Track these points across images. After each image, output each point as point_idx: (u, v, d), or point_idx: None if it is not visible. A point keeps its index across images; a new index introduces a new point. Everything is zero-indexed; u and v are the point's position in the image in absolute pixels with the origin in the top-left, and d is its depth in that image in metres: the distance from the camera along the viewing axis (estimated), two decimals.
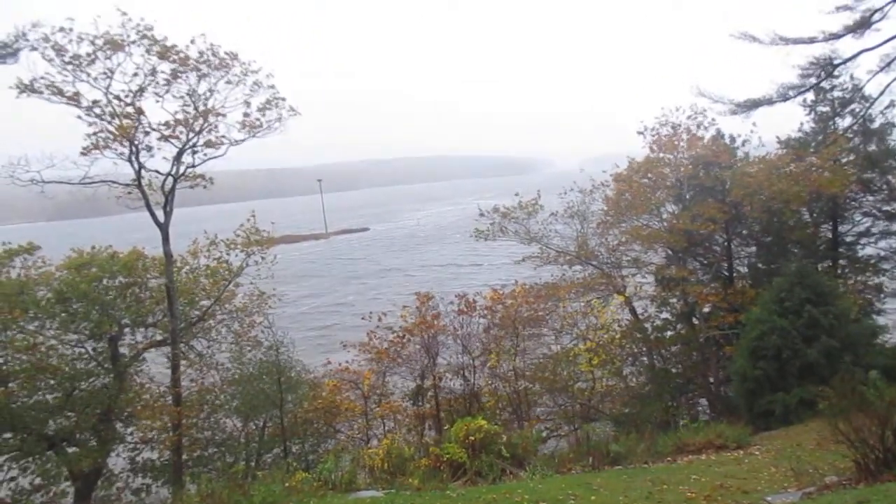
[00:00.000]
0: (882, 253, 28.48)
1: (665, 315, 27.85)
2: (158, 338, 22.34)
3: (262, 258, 23.74)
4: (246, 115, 20.04)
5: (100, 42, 18.07)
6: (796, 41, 21.18)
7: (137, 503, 20.13)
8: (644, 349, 26.05)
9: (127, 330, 21.55)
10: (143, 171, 19.69)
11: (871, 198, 27.96)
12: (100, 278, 20.55)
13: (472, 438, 14.18)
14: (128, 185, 19.68)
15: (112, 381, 20.07)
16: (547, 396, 24.46)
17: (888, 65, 20.78)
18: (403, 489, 12.78)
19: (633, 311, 26.87)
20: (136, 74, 18.65)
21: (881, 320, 24.57)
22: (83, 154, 18.48)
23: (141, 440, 21.17)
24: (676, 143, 27.12)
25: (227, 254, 23.73)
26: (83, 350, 20.48)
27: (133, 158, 19.30)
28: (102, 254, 21.30)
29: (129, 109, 18.77)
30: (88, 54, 18.04)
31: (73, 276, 20.28)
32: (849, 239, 28.48)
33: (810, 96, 27.26)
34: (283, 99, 20.25)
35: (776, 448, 14.31)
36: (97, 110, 18.41)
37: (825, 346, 17.20)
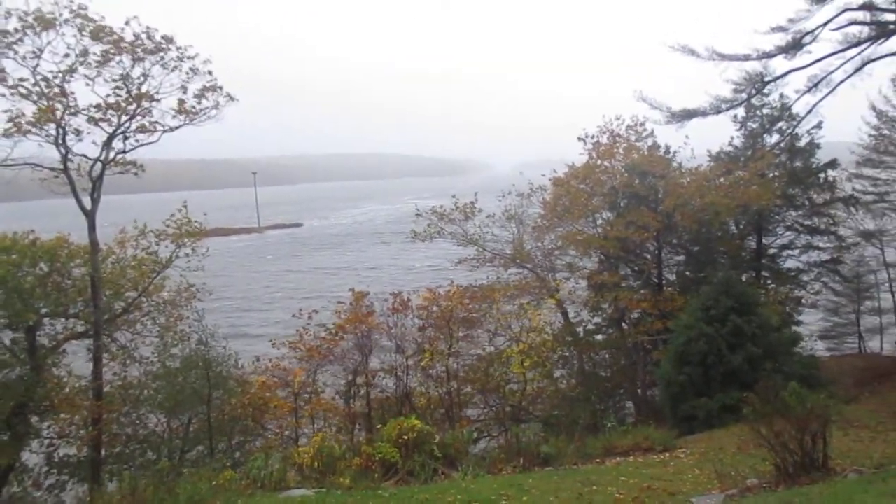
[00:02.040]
0: (802, 266, 29.81)
1: (596, 320, 28.45)
2: (80, 329, 21.53)
3: (193, 250, 23.16)
4: (182, 101, 19.54)
5: (30, 19, 17.33)
6: (731, 57, 21.99)
7: (52, 501, 19.32)
8: (575, 352, 26.50)
9: (46, 320, 20.71)
10: (70, 155, 18.97)
11: (794, 212, 29.28)
12: (19, 265, 19.66)
13: (405, 438, 14.16)
14: (53, 168, 18.92)
15: (28, 372, 19.22)
16: (479, 397, 24.59)
17: (815, 85, 21.80)
18: (334, 488, 12.68)
19: (565, 314, 27.32)
20: (66, 55, 17.97)
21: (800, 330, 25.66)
22: (5, 136, 17.69)
23: (58, 435, 20.35)
24: (615, 151, 27.71)
25: (157, 245, 23.05)
26: None
27: (60, 141, 18.57)
28: (24, 240, 20.38)
29: (57, 90, 18.06)
30: (16, 30, 17.29)
31: None
32: (772, 251, 29.72)
33: (741, 112, 28.34)
34: (221, 87, 19.86)
35: (700, 451, 14.76)
36: (23, 90, 17.65)
37: (748, 354, 17.83)
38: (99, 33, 18.07)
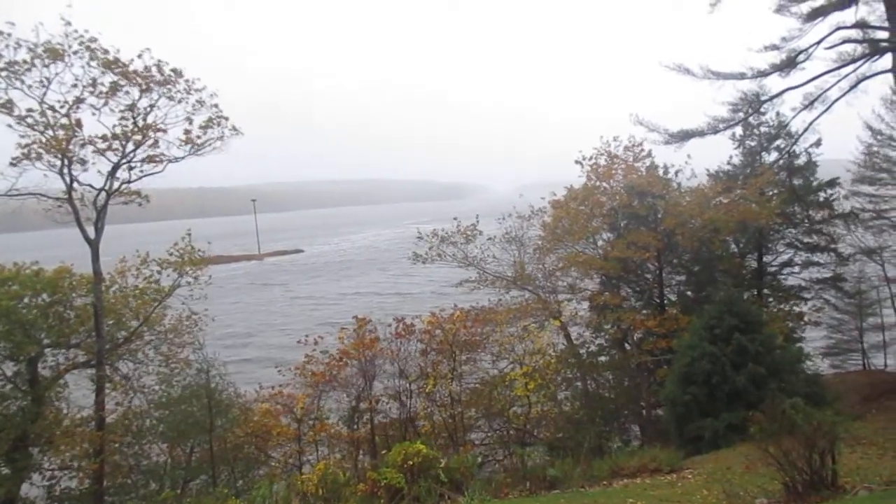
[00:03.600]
0: (803, 283, 29.80)
1: (599, 341, 28.37)
2: (81, 359, 21.48)
3: (195, 279, 23.18)
4: (187, 132, 19.68)
5: (39, 50, 17.52)
6: (727, 76, 22.24)
7: None
8: (578, 374, 26.39)
9: (48, 350, 20.67)
10: (74, 185, 19.07)
11: (793, 230, 29.30)
12: (22, 296, 19.68)
13: (411, 463, 14.09)
14: (58, 198, 19.00)
15: (29, 404, 19.14)
16: (483, 421, 24.48)
17: (811, 103, 22.01)
18: None
19: (568, 336, 27.26)
20: (74, 85, 18.13)
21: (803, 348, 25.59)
22: (12, 165, 17.79)
23: (60, 467, 20.21)
24: (613, 172, 27.83)
25: (159, 273, 23.08)
26: None
27: (65, 171, 18.67)
28: (26, 270, 20.41)
29: (64, 121, 18.20)
30: (25, 61, 17.46)
31: None
32: (772, 269, 29.71)
33: (739, 131, 28.51)
34: (226, 118, 20.01)
35: (707, 471, 14.69)
36: (30, 120, 17.79)
37: (753, 373, 17.78)
38: (109, 64, 18.27)
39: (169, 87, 19.25)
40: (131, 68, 18.72)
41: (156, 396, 21.54)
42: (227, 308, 70.07)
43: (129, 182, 19.95)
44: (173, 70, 19.27)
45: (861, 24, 20.32)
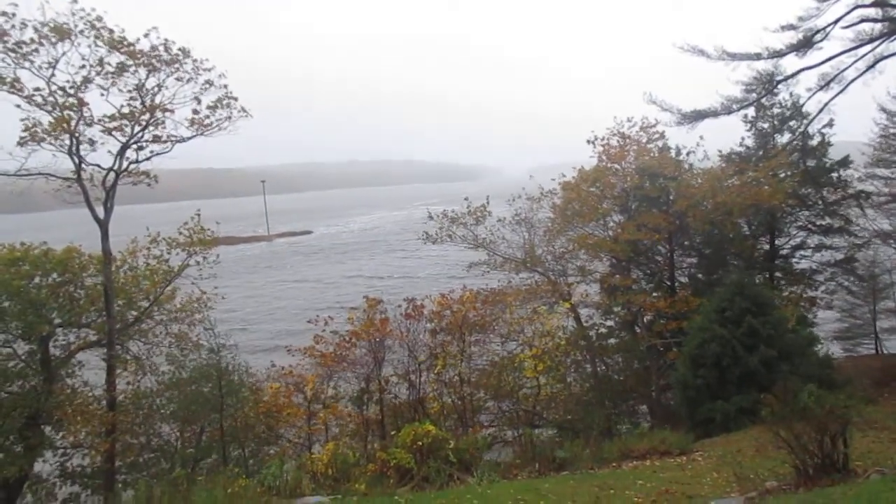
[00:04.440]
0: (815, 266, 29.62)
1: (609, 323, 28.34)
2: (92, 338, 21.61)
3: (204, 258, 23.24)
4: (196, 112, 19.61)
5: (45, 30, 17.46)
6: (741, 57, 21.97)
7: None
8: (588, 356, 26.42)
9: (59, 330, 20.80)
10: (83, 165, 19.08)
11: (806, 212, 29.10)
12: (32, 276, 19.80)
13: (420, 444, 14.14)
14: (67, 178, 19.03)
15: (42, 383, 19.32)
16: (492, 402, 24.56)
17: (827, 84, 21.73)
18: (350, 495, 12.68)
19: (577, 318, 27.25)
20: (82, 66, 18.07)
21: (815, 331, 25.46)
22: (20, 144, 17.79)
23: (72, 445, 20.42)
24: (625, 153, 27.68)
25: (168, 253, 23.15)
26: (11, 350, 19.66)
27: (74, 151, 18.67)
28: (35, 250, 20.51)
29: (72, 100, 18.18)
30: (32, 40, 17.40)
31: (3, 272, 19.47)
32: (784, 252, 29.56)
33: (752, 112, 28.24)
34: (235, 98, 19.91)
35: (717, 454, 14.69)
36: (38, 99, 17.77)
37: (764, 355, 17.73)
38: (116, 44, 18.19)
39: (176, 66, 19.15)
40: (138, 48, 18.64)
41: (166, 377, 21.69)
42: (235, 289, 70.31)
43: (137, 162, 19.95)
44: (181, 49, 19.17)
45: (880, 3, 19.98)
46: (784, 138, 28.58)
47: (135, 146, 19.69)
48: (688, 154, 28.07)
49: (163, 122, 19.60)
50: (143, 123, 19.36)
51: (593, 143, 28.45)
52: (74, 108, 18.26)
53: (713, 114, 24.11)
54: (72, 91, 18.16)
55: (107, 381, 20.42)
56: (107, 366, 20.49)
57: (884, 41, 20.18)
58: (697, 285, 27.12)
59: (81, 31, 17.86)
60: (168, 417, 21.07)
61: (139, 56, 18.67)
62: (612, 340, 27.69)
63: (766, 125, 28.93)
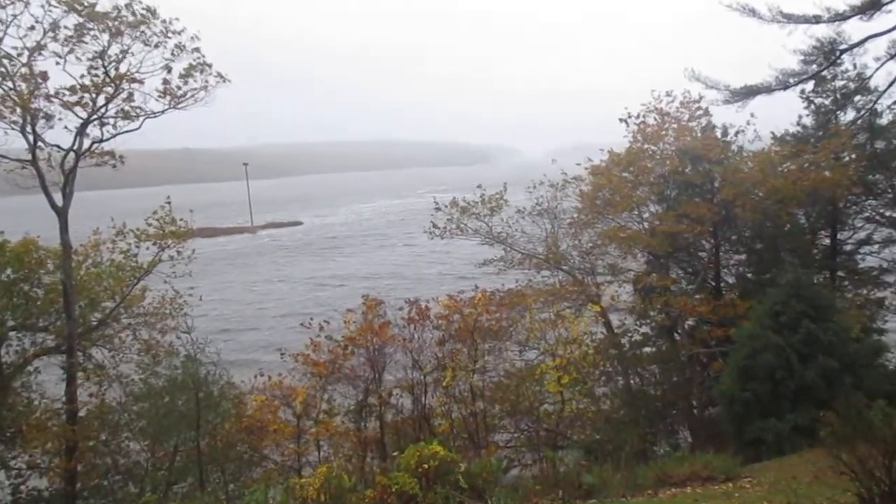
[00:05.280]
0: (884, 264, 29.35)
1: (644, 329, 28.28)
2: (51, 344, 21.77)
3: (178, 253, 23.34)
4: (166, 82, 19.69)
5: None
6: (798, 19, 21.76)
7: None
8: (619, 368, 26.38)
9: (13, 334, 20.95)
10: (39, 145, 19.16)
11: (874, 202, 28.81)
12: None
13: (426, 467, 14.13)
14: (20, 160, 19.12)
15: None
16: (508, 420, 24.57)
17: None
18: None
19: (608, 323, 27.21)
20: (32, 28, 18.13)
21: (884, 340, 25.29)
22: None
23: (27, 465, 20.57)
24: (663, 133, 27.57)
25: (137, 247, 23.26)
26: None
27: (28, 129, 18.75)
28: None
29: (24, 70, 18.23)
30: None
31: None
32: (848, 247, 29.31)
33: (811, 86, 28.00)
34: (210, 65, 19.96)
35: (769, 481, 14.63)
36: None
37: (824, 367, 17.63)
38: (72, 3, 18.22)
39: (143, 29, 19.18)
40: (98, 8, 18.64)
41: (135, 387, 21.78)
42: (214, 289, 70.58)
43: (101, 141, 20.05)
44: (147, 9, 19.21)
45: None
46: (848, 116, 28.33)
47: (97, 122, 19.75)
48: (736, 134, 27.93)
49: (129, 95, 19.66)
50: (107, 96, 19.42)
51: (626, 121, 28.37)
52: (28, 79, 18.31)
53: (766, 89, 23.95)
54: (23, 59, 18.19)
55: (67, 393, 20.57)
56: (67, 375, 20.64)
57: None
58: (747, 286, 26.99)
59: None
60: (137, 434, 21.16)
61: (100, 18, 18.68)
62: (647, 349, 27.65)
63: (826, 101, 28.69)
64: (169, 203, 23.16)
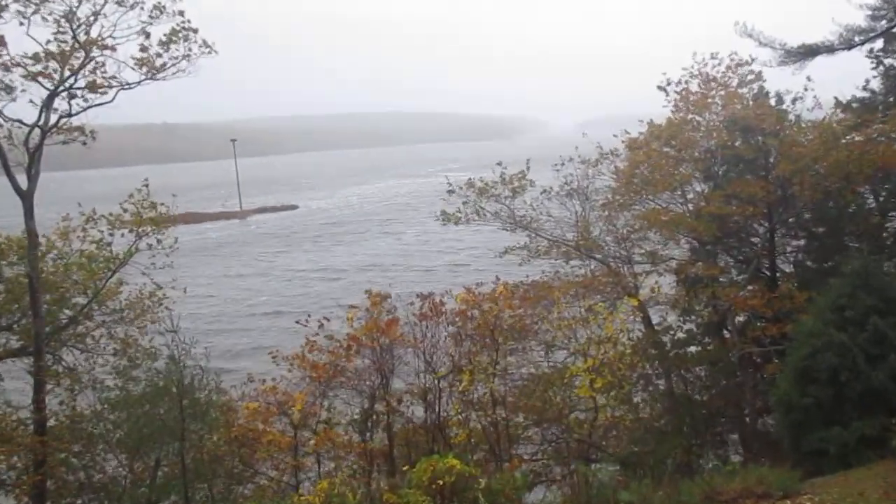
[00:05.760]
0: None
1: (689, 326, 28.19)
2: (15, 345, 21.93)
3: (158, 241, 23.43)
4: (144, 48, 19.68)
5: None
6: None
7: None
8: (661, 370, 26.33)
9: None
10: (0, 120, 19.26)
11: None
12: None
13: (441, 483, 14.17)
14: None
15: None
16: (534, 430, 24.59)
17: None
18: None
19: (647, 319, 27.12)
20: None
21: None
22: None
23: None
24: (709, 101, 27.43)
25: (111, 235, 23.35)
26: None
27: None
28: None
29: None
30: None
31: None
32: None
33: (880, 44, 27.74)
34: (195, 30, 19.96)
35: (832, 498, 14.60)
36: None
37: (894, 368, 17.54)
38: None
39: None
40: None
41: (111, 394, 21.89)
42: (199, 283, 70.98)
43: (69, 115, 20.08)
44: None
45: None
46: None
47: (65, 94, 19.78)
48: (793, 102, 27.73)
49: (102, 63, 19.68)
50: (77, 64, 19.43)
51: (665, 88, 28.23)
52: None
53: (828, 49, 23.79)
54: None
55: (34, 400, 20.68)
56: (34, 380, 20.75)
57: None
58: (806, 275, 26.86)
59: None
60: (114, 447, 21.30)
61: None
62: (692, 349, 27.59)
63: None
64: (146, 185, 23.21)
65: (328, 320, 23.68)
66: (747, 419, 25.76)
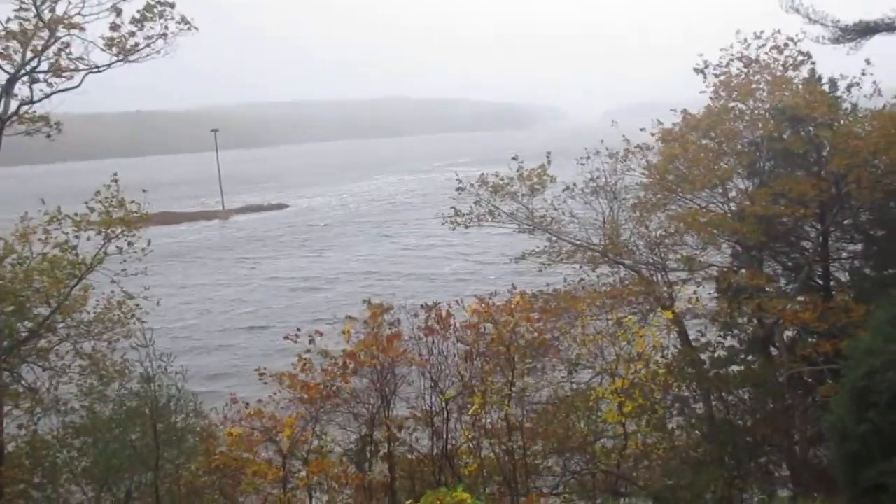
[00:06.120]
0: None
1: (731, 342, 28.11)
2: None
3: (129, 244, 23.41)
4: (115, 27, 19.72)
5: None
6: None
7: None
8: (698, 392, 26.28)
9: None
10: None
11: None
12: None
13: None
14: None
15: None
16: (555, 459, 24.56)
17: None
18: None
19: (683, 334, 27.08)
20: None
21: None
22: None
23: None
24: (753, 87, 27.38)
25: (76, 237, 23.36)
26: None
27: None
28: None
29: None
30: None
31: None
32: None
33: None
34: (172, 4, 19.98)
35: None
36: None
37: None
38: None
39: None
40: None
41: (77, 416, 21.92)
42: (174, 293, 71.08)
43: (31, 102, 20.12)
44: None
45: None
46: None
47: (27, 79, 19.83)
48: (848, 88, 27.68)
49: (68, 44, 19.72)
50: (41, 45, 19.49)
51: (703, 71, 28.18)
52: None
53: (888, 27, 23.74)
54: None
55: None
56: None
57: None
58: (864, 285, 26.82)
59: None
60: (79, 476, 21.31)
61: None
62: (734, 368, 27.52)
63: None
64: (116, 180, 23.19)
65: (321, 334, 23.67)
66: (797, 448, 25.72)
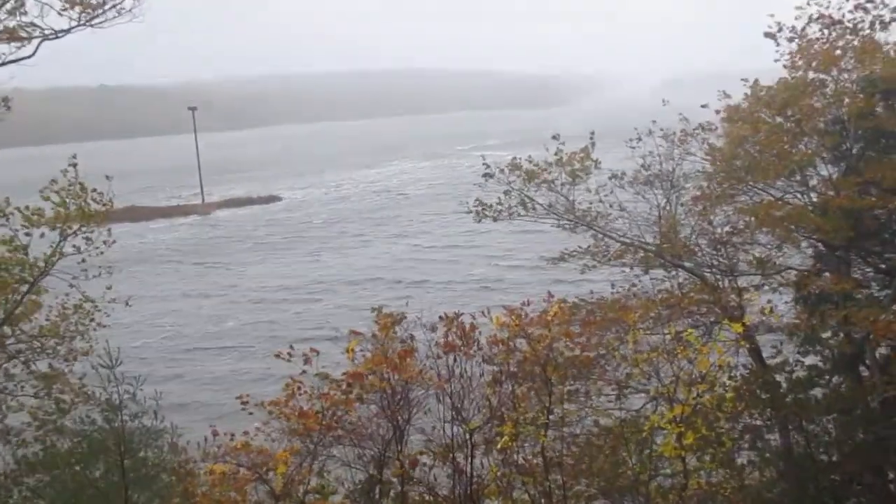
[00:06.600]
0: None
1: (812, 360, 27.99)
2: None
3: (88, 240, 23.41)
4: None
5: None
6: None
7: None
8: (774, 420, 26.16)
9: None
10: None
11: None
12: None
13: None
14: None
15: None
16: (601, 501, 24.47)
17: None
18: None
19: (755, 351, 26.98)
20: None
21: None
22: None
23: None
24: (837, 53, 27.18)
25: (28, 234, 23.40)
26: None
27: None
28: None
29: None
30: None
31: None
32: None
33: None
34: None
35: None
36: None
37: None
38: None
39: None
40: None
41: (31, 450, 21.96)
42: (146, 304, 71.31)
43: None
44: None
45: None
46: None
47: None
48: None
49: (22, 4, 19.75)
50: None
51: (775, 36, 27.94)
52: None
53: None
54: None
55: None
56: None
57: None
58: None
59: None
60: None
61: None
62: (817, 392, 27.39)
63: None
64: (75, 164, 23.16)
65: (317, 353, 23.57)
66: (892, 487, 25.53)
